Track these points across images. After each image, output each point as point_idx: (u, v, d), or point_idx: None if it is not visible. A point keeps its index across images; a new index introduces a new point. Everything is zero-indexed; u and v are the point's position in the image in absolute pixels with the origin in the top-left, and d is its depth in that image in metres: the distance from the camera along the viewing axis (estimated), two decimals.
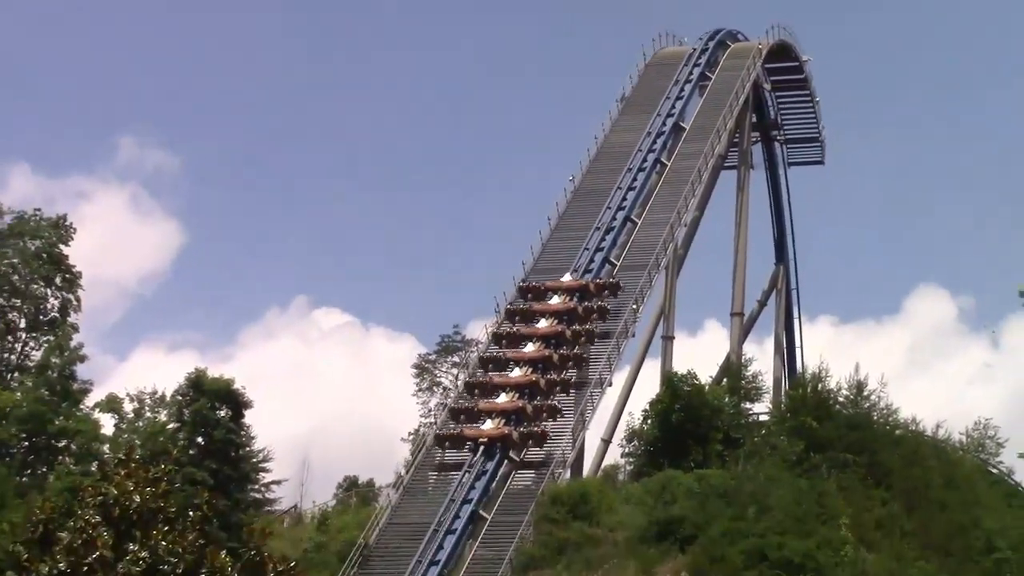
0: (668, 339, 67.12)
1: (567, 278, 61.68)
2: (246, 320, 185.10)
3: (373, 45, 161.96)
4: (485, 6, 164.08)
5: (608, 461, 64.71)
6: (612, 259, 63.87)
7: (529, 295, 61.28)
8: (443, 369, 76.24)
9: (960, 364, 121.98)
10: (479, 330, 62.79)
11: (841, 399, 61.05)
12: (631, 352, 65.73)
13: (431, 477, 55.41)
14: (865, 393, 61.57)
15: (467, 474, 52.89)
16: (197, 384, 56.62)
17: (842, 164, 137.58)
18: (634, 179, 67.87)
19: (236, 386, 56.92)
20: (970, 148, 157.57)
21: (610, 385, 59.30)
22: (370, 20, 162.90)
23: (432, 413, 66.91)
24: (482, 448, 53.72)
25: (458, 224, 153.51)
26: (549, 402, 56.11)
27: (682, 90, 73.84)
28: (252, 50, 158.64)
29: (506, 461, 53.96)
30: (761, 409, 64.75)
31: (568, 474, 55.48)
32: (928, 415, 65.56)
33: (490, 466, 53.22)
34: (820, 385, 61.00)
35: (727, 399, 59.93)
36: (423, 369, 76.96)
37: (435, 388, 75.07)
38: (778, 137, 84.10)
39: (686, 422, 57.00)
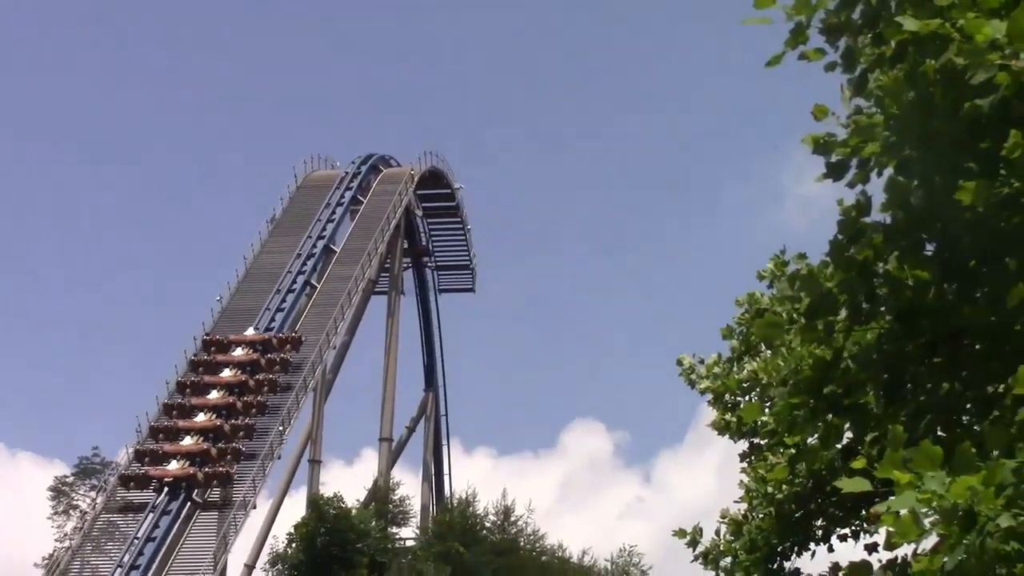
0: (315, 463, 66.15)
1: (250, 331, 62.69)
2: None
3: None
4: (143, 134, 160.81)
5: None
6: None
7: (212, 348, 61.79)
8: (81, 492, 73.17)
9: (614, 498, 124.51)
10: (122, 452, 60.50)
11: (488, 524, 61.10)
12: (277, 476, 64.48)
13: None
14: (512, 519, 61.85)
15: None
16: None
17: (494, 292, 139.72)
18: (283, 300, 66.77)
19: None
20: (624, 286, 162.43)
21: (254, 508, 57.50)
22: None
23: (67, 537, 63.89)
24: (165, 491, 54.57)
25: (106, 342, 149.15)
26: (233, 445, 56.54)
27: (333, 213, 73.35)
28: None
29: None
30: (408, 534, 64.43)
31: None
32: (582, 546, 66.40)
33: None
34: (468, 510, 60.92)
35: (374, 523, 59.11)
36: (59, 492, 73.83)
37: (72, 511, 71.91)
38: (429, 263, 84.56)
39: (331, 545, 56.00)
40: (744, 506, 11.04)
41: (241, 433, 57.63)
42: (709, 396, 11.75)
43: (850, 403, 6.86)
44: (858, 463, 5.98)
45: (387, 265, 76.99)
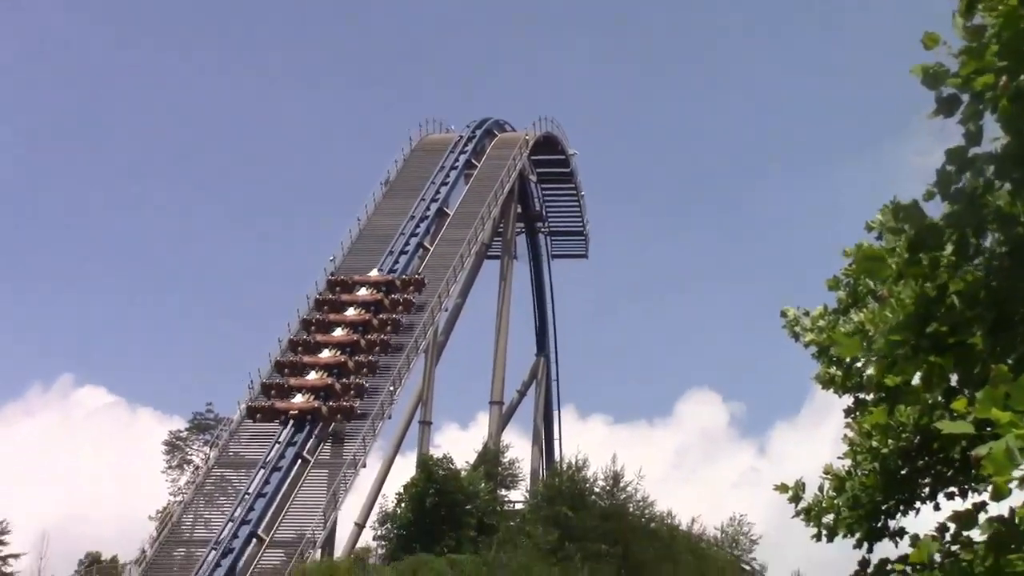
0: (425, 424, 66.33)
1: (374, 273, 64.65)
2: (5, 397, 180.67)
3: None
4: (244, 94, 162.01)
5: (362, 545, 63.21)
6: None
7: (337, 288, 63.66)
8: (195, 447, 74.04)
9: (728, 468, 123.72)
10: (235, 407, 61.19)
11: (597, 490, 60.85)
12: (388, 436, 64.97)
13: (176, 553, 53.70)
14: (621, 485, 61.52)
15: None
16: None
17: (608, 259, 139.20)
18: (395, 262, 67.03)
19: None
20: (742, 255, 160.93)
21: (364, 466, 58.00)
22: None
23: (180, 491, 64.65)
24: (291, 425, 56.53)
25: (221, 310, 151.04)
26: (357, 380, 58.36)
27: (447, 176, 73.46)
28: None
29: (254, 541, 52.66)
30: (517, 497, 64.46)
31: (319, 555, 53.94)
32: (693, 515, 66.10)
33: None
34: (577, 475, 60.72)
35: (483, 485, 59.13)
36: (173, 446, 74.76)
37: (185, 466, 72.82)
38: (542, 229, 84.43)
39: (440, 506, 56.03)
40: (848, 462, 10.69)
41: (364, 370, 59.33)
42: (814, 349, 11.39)
43: (955, 342, 6.54)
44: (959, 404, 5.68)
45: (500, 230, 76.97)
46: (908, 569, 10.00)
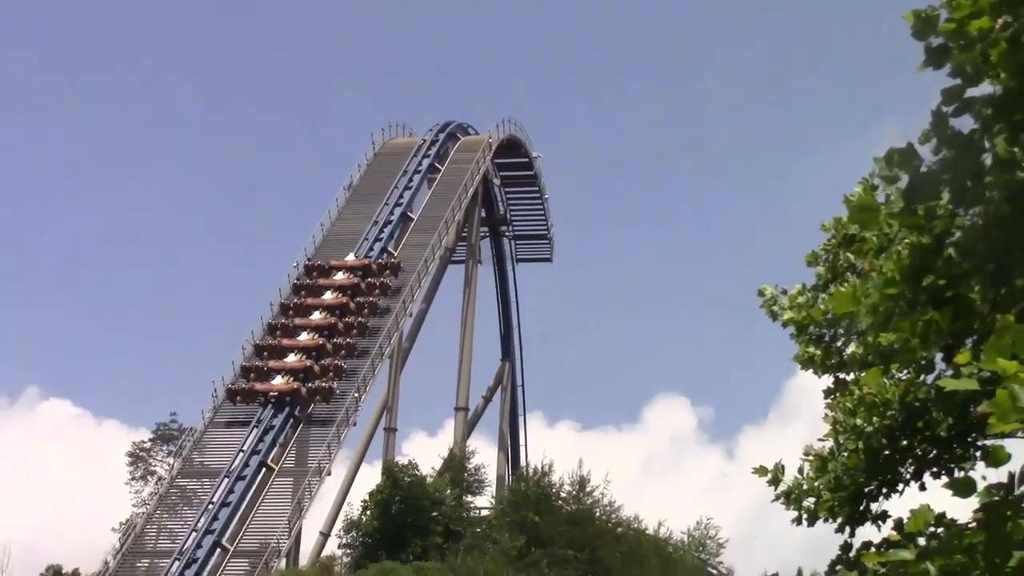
0: (391, 431, 65.93)
1: (350, 257, 65.70)
2: None
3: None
4: (201, 97, 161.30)
5: (327, 553, 62.61)
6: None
7: (314, 272, 64.75)
8: (158, 458, 73.29)
9: (697, 473, 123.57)
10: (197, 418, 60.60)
11: (564, 495, 60.59)
12: (353, 444, 64.61)
13: (140, 565, 53.17)
14: (588, 489, 61.27)
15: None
16: None
17: (572, 262, 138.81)
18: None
19: None
20: (697, 260, 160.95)
21: (328, 474, 57.35)
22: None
23: (144, 502, 64.01)
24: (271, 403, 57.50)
25: (185, 320, 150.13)
26: (335, 362, 59.35)
27: (411, 180, 72.95)
28: None
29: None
30: (484, 503, 64.08)
31: (284, 564, 53.43)
32: (660, 519, 66.00)
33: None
34: (543, 480, 60.44)
35: (448, 491, 58.73)
36: (137, 457, 73.98)
37: (149, 477, 72.03)
38: (507, 233, 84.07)
39: (406, 513, 55.67)
40: (829, 443, 10.32)
41: (343, 352, 60.18)
42: (791, 329, 11.04)
43: (952, 295, 6.17)
44: (962, 356, 5.32)
45: (464, 234, 76.60)
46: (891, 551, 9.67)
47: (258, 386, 58.20)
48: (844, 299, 6.37)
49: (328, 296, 63.19)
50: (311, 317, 62.05)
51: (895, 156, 5.96)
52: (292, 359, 59.51)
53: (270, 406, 57.57)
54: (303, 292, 63.58)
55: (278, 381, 58.38)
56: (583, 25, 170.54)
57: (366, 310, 62.61)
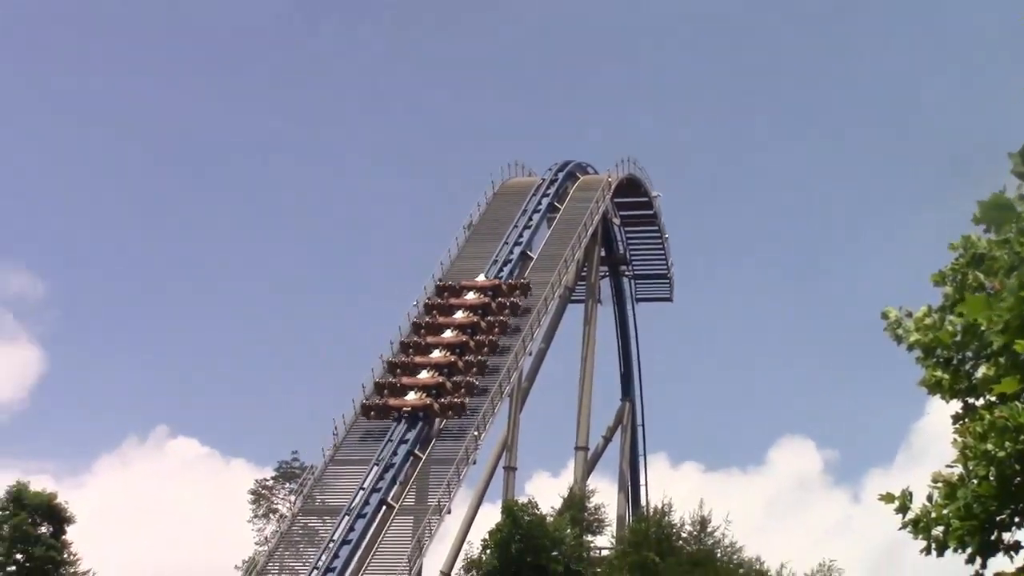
0: (510, 469, 65.75)
1: (480, 278, 66.94)
2: (103, 449, 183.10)
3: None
4: (331, 141, 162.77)
5: None
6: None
7: (445, 293, 65.66)
8: (280, 496, 73.88)
9: (822, 516, 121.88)
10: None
11: (684, 535, 59.99)
12: (473, 483, 64.61)
13: None
14: (709, 530, 60.63)
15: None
16: (17, 498, 54.05)
17: (693, 302, 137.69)
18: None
19: (59, 501, 54.41)
20: (821, 300, 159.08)
21: (449, 512, 57.19)
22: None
23: (267, 540, 64.44)
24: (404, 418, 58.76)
25: (310, 360, 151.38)
26: (467, 379, 60.54)
27: (530, 219, 72.92)
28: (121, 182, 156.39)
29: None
30: (604, 543, 63.64)
31: None
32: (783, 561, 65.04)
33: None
34: (663, 520, 59.88)
35: (568, 531, 58.36)
36: (259, 495, 74.66)
37: (271, 514, 72.64)
38: (626, 272, 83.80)
39: (526, 552, 55.30)
40: (959, 469, 9.94)
41: (474, 369, 61.20)
42: (918, 352, 10.67)
43: None
44: None
45: (584, 273, 76.42)
46: None
47: (392, 401, 59.33)
48: (977, 304, 6.06)
49: (459, 315, 64.30)
50: (443, 335, 63.14)
51: None
52: (425, 375, 60.58)
53: (403, 421, 58.70)
54: (435, 311, 64.71)
55: (411, 397, 59.43)
56: (706, 64, 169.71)
57: (496, 328, 63.55)
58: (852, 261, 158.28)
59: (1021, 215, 5.94)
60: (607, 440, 79.47)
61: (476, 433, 59.39)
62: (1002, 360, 7.94)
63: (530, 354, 67.34)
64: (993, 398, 9.92)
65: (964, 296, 10.37)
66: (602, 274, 80.00)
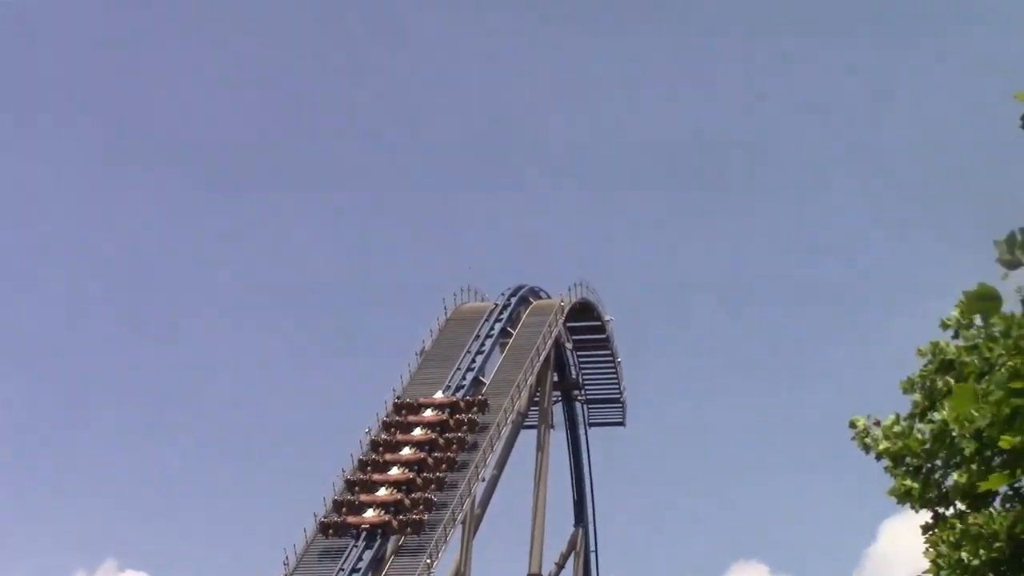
0: None
1: (438, 394, 67.11)
2: None
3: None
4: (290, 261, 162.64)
5: None
6: None
7: (403, 411, 65.81)
8: None
9: None
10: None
11: None
12: None
13: None
14: None
15: None
16: None
17: (646, 426, 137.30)
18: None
19: None
20: (783, 420, 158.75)
21: None
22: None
23: None
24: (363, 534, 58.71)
25: (264, 482, 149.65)
26: (426, 495, 60.29)
27: (483, 345, 72.71)
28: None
29: None
30: None
31: None
32: None
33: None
34: None
35: None
36: None
37: None
38: (579, 397, 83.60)
39: None
40: None
41: (432, 486, 61.12)
42: (886, 462, 10.50)
43: None
44: None
45: (537, 398, 76.11)
46: None
47: (351, 519, 59.26)
48: (965, 395, 5.87)
49: (417, 432, 64.37)
50: (401, 453, 63.01)
51: (1018, 238, 5.50)
52: (383, 493, 60.53)
53: (363, 537, 58.51)
54: (392, 428, 64.68)
55: (370, 514, 59.36)
56: (653, 185, 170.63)
57: (455, 445, 63.54)
58: (808, 377, 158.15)
59: (984, 345, 5.82)
60: (560, 567, 78.59)
61: (429, 561, 58.61)
62: (974, 467, 7.73)
63: (483, 480, 66.82)
64: (964, 507, 9.74)
65: (932, 402, 10.24)
66: (555, 399, 79.75)
